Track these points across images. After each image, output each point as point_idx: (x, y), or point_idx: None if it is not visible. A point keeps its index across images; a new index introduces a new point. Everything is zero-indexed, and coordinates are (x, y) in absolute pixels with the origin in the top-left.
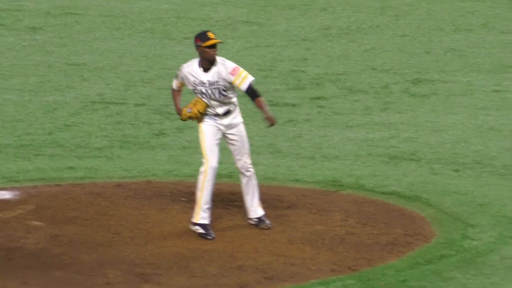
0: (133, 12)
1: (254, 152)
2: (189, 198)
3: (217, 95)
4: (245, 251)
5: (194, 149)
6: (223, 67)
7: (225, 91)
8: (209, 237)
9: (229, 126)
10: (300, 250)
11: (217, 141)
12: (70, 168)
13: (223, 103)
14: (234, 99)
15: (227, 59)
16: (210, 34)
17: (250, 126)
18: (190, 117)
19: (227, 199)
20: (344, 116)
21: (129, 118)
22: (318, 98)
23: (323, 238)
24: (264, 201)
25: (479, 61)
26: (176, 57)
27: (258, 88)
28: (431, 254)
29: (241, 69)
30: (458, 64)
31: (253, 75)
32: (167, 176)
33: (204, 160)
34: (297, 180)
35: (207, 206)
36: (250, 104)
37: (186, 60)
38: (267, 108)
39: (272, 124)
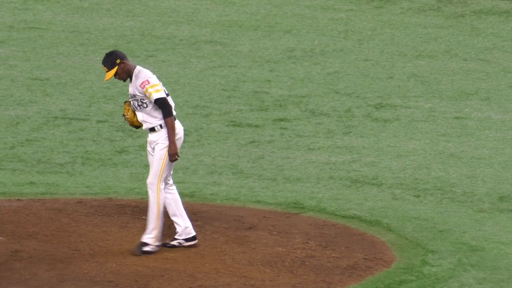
0: (97, 29)
1: (217, 172)
2: None
3: (137, 106)
4: (206, 271)
5: None
6: (136, 78)
7: (145, 103)
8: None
9: (152, 143)
10: (260, 272)
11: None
12: (32, 183)
13: (146, 118)
14: (161, 121)
15: (191, 78)
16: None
17: (212, 146)
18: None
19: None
20: (306, 139)
21: (91, 134)
22: (281, 120)
23: (284, 260)
24: (226, 221)
25: (441, 88)
26: None
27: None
28: (390, 279)
29: (150, 84)
30: (420, 90)
31: (216, 95)
32: (129, 194)
33: None
34: (258, 202)
35: None
36: (213, 124)
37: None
38: (173, 137)
39: (171, 159)
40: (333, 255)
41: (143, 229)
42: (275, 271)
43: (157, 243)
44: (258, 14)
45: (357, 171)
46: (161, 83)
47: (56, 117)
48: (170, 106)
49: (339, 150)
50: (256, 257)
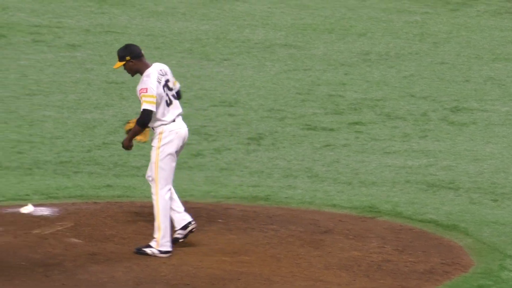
0: (173, 32)
1: (292, 175)
2: (227, 219)
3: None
4: (282, 275)
5: (232, 170)
6: (141, 81)
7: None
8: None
9: None
10: (336, 276)
11: None
12: (108, 186)
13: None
14: (156, 123)
15: (265, 81)
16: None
17: (287, 150)
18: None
19: (263, 222)
20: (382, 142)
21: None
22: (356, 123)
23: (360, 264)
24: (301, 225)
25: None
26: (215, 78)
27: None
28: (468, 284)
29: (146, 93)
30: (497, 93)
31: (291, 98)
32: (205, 197)
33: None
34: (334, 205)
35: None
36: (287, 127)
37: (224, 81)
38: (131, 136)
39: (125, 147)
40: (409, 259)
41: (218, 232)
42: (351, 275)
43: (162, 248)
44: (332, 17)
45: (433, 175)
46: (161, 88)
47: None
48: (148, 120)
49: (415, 154)
50: (332, 261)
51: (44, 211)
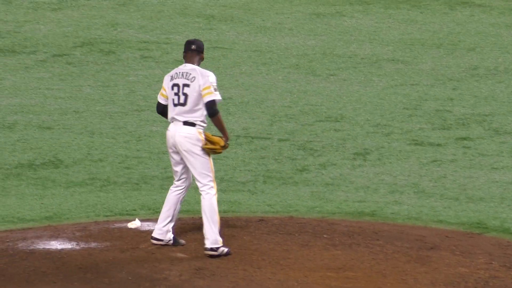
0: (279, 48)
1: (398, 191)
2: (332, 235)
3: None
4: None
5: (337, 186)
6: None
7: None
8: (230, 252)
9: None
10: None
11: None
12: None
13: None
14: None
15: (372, 96)
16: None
17: (394, 165)
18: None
19: (369, 237)
20: (490, 158)
21: (273, 153)
22: (464, 138)
23: (467, 281)
24: (407, 241)
25: None
26: (321, 93)
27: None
28: None
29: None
30: None
31: (398, 113)
32: (310, 212)
33: (213, 183)
34: (440, 221)
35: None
36: (394, 142)
37: (330, 96)
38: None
39: None
40: None
41: (323, 247)
42: None
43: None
44: (440, 32)
45: None
46: (169, 84)
47: (238, 136)
48: (157, 109)
49: None
50: (438, 277)
51: (151, 226)
